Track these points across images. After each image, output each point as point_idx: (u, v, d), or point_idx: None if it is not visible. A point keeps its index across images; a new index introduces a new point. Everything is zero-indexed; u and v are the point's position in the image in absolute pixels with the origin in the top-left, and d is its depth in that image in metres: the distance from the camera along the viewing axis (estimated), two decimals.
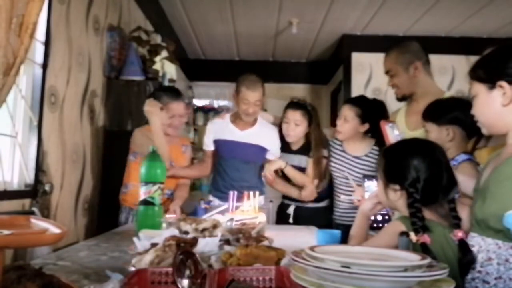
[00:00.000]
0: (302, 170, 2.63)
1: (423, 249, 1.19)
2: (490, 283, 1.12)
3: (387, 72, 2.20)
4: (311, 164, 2.59)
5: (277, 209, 2.80)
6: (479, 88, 1.22)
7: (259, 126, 2.66)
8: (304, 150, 2.64)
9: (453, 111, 1.74)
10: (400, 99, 2.21)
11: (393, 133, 2.00)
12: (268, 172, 2.54)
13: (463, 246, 1.20)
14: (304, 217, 2.59)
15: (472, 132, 1.73)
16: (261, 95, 2.57)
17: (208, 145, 2.72)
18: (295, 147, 2.68)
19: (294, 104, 2.64)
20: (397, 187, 1.35)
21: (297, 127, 2.58)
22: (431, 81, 2.19)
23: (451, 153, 1.73)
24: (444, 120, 1.75)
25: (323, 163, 2.59)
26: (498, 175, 1.14)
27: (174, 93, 2.61)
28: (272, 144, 2.65)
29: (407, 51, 2.15)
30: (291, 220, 2.64)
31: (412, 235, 1.22)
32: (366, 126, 2.49)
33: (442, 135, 1.74)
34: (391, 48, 2.21)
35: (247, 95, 2.52)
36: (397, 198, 1.36)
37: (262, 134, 2.64)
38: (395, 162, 1.38)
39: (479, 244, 1.16)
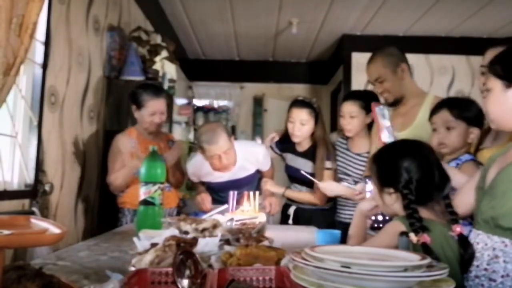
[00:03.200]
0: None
1: (424, 249, 1.19)
2: (497, 281, 1.12)
3: (375, 80, 2.20)
4: (316, 175, 2.52)
5: (281, 210, 2.74)
6: (495, 84, 1.20)
7: (240, 158, 2.50)
8: (310, 153, 2.57)
9: (480, 112, 1.71)
10: (392, 103, 2.21)
11: (382, 116, 1.99)
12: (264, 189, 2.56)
13: (463, 240, 1.21)
14: (304, 218, 2.58)
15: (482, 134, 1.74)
16: (226, 143, 2.34)
17: (192, 178, 2.65)
18: (300, 148, 2.62)
19: (300, 103, 2.54)
20: (391, 190, 1.36)
21: (303, 126, 2.49)
22: (415, 83, 2.24)
23: (460, 153, 1.75)
24: (474, 121, 1.73)
25: (326, 175, 2.52)
26: (509, 173, 1.14)
27: (154, 90, 2.57)
28: (260, 163, 2.61)
29: (391, 55, 2.18)
30: (290, 221, 2.62)
31: (412, 236, 1.22)
32: (370, 116, 2.46)
33: (466, 135, 1.73)
34: (373, 56, 2.22)
35: (211, 151, 2.33)
36: (393, 201, 1.36)
37: (246, 164, 2.55)
38: (386, 166, 1.39)
39: (485, 242, 1.16)
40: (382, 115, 2.01)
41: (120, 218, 2.57)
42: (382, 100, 2.30)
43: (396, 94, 2.17)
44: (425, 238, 1.21)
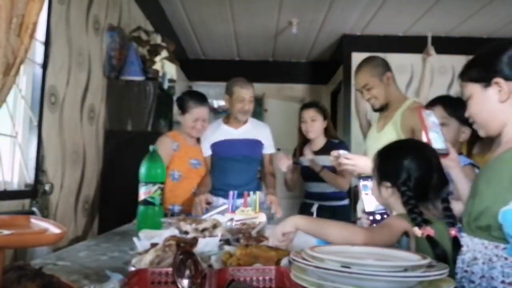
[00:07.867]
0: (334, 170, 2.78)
1: (430, 242, 1.19)
2: (475, 282, 1.13)
3: (363, 87, 2.36)
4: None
5: (299, 208, 2.97)
6: (474, 88, 1.23)
7: (251, 123, 2.84)
8: (327, 148, 2.80)
9: None
10: (378, 109, 2.38)
11: (429, 119, 2.03)
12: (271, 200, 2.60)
13: (456, 244, 1.22)
14: (326, 215, 2.64)
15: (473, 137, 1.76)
16: (253, 93, 2.75)
17: (205, 151, 2.77)
18: (316, 147, 2.90)
19: (306, 105, 2.98)
20: (388, 184, 1.37)
21: (314, 122, 2.88)
22: (399, 90, 2.43)
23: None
24: (467, 121, 1.75)
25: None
26: (485, 174, 1.16)
27: (199, 98, 2.69)
28: (266, 138, 2.84)
29: (377, 65, 2.34)
30: None
31: (416, 230, 1.22)
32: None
33: (458, 134, 1.77)
34: (360, 65, 2.39)
35: (242, 93, 2.69)
36: (389, 195, 1.38)
37: (256, 130, 2.82)
38: (388, 162, 1.41)
39: (467, 244, 1.18)
40: (428, 116, 2.06)
41: None
42: (369, 105, 2.45)
43: (382, 100, 2.33)
44: (429, 230, 1.21)
